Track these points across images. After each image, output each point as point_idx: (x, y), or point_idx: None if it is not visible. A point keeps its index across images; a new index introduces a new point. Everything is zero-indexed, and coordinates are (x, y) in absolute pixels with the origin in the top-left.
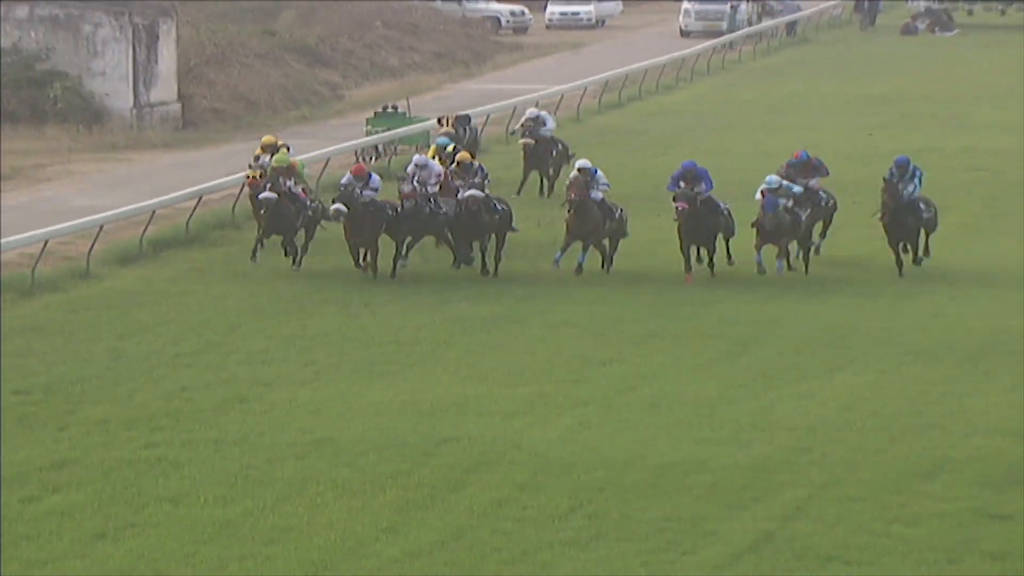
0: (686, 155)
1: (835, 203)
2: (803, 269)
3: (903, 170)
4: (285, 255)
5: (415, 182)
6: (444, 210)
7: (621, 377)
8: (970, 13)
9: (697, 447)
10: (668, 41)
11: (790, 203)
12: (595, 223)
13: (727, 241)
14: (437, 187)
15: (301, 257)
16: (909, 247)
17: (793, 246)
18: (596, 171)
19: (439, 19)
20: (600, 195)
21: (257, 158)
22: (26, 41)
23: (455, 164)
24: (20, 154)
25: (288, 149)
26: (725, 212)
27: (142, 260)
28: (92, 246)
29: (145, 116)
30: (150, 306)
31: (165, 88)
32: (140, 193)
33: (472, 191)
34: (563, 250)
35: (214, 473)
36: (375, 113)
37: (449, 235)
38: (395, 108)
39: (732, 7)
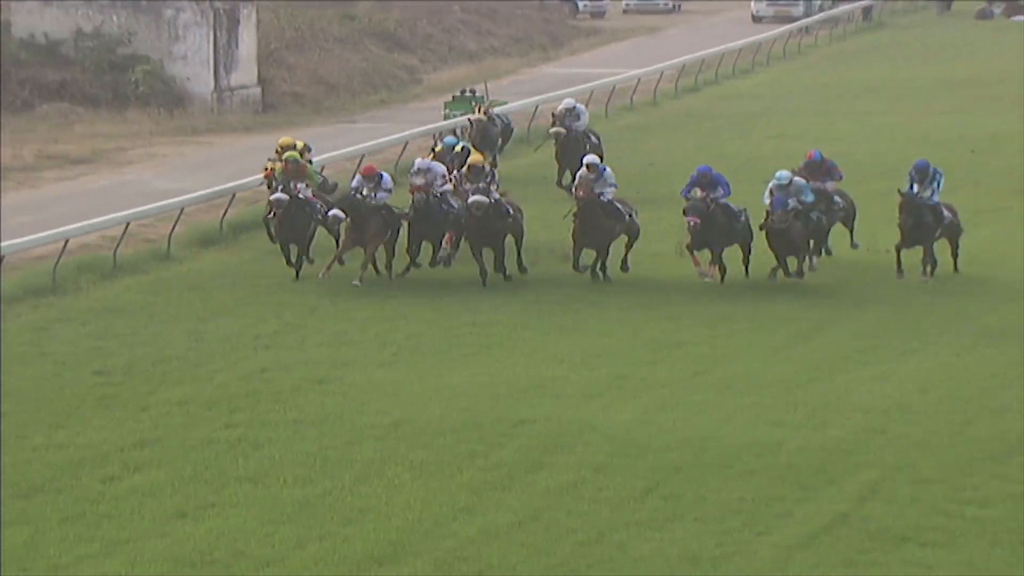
0: (762, 139)
1: (854, 209)
2: (807, 260)
3: (923, 174)
4: (288, 264)
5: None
6: (456, 209)
7: (695, 360)
8: None
9: (772, 429)
10: (743, 26)
11: (798, 203)
12: (601, 228)
13: (744, 249)
14: (444, 186)
15: (323, 264)
16: (926, 256)
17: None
18: (605, 169)
19: (517, 3)
20: (609, 195)
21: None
22: (108, 26)
23: (465, 168)
24: (102, 137)
25: (309, 149)
26: (742, 219)
27: (222, 242)
28: (173, 228)
29: (225, 100)
30: (230, 288)
31: (245, 72)
32: (220, 176)
33: (477, 197)
34: (576, 260)
35: (293, 453)
36: (453, 97)
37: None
38: (473, 92)
39: None
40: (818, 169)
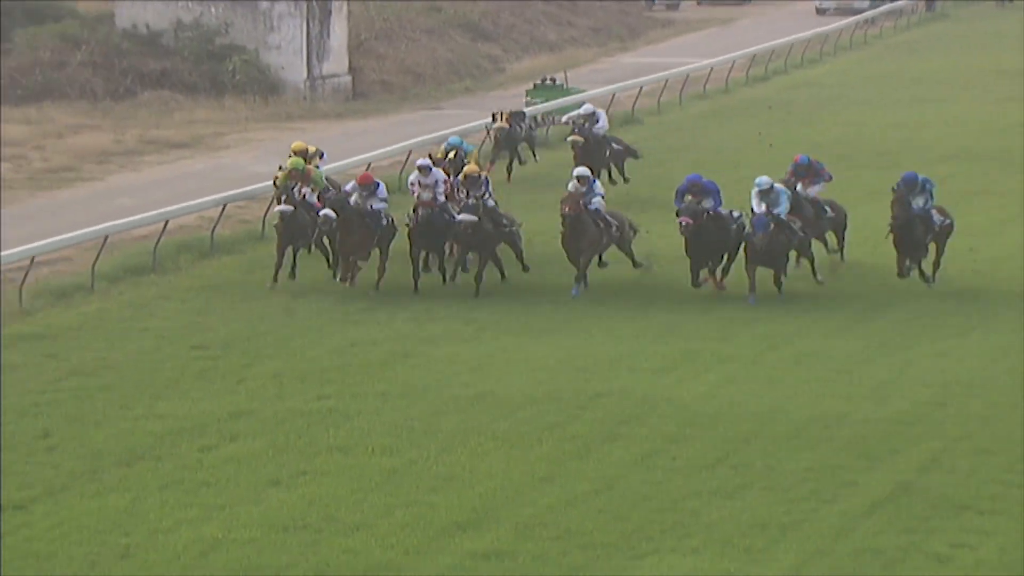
0: (829, 125)
1: (844, 219)
2: (812, 274)
3: (911, 187)
4: (290, 272)
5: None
6: (456, 219)
7: (765, 335)
8: None
9: (838, 402)
10: (810, 19)
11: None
12: (590, 239)
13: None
14: (444, 195)
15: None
16: (919, 261)
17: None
18: (595, 181)
19: None
20: (597, 205)
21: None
22: (207, 17)
23: (462, 177)
24: (200, 123)
25: (321, 156)
26: (735, 228)
27: None
28: (267, 210)
29: (317, 88)
30: (322, 267)
31: (337, 61)
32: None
33: (464, 215)
34: (577, 280)
35: (381, 424)
36: (534, 85)
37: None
38: (553, 80)
39: None
40: (806, 173)
